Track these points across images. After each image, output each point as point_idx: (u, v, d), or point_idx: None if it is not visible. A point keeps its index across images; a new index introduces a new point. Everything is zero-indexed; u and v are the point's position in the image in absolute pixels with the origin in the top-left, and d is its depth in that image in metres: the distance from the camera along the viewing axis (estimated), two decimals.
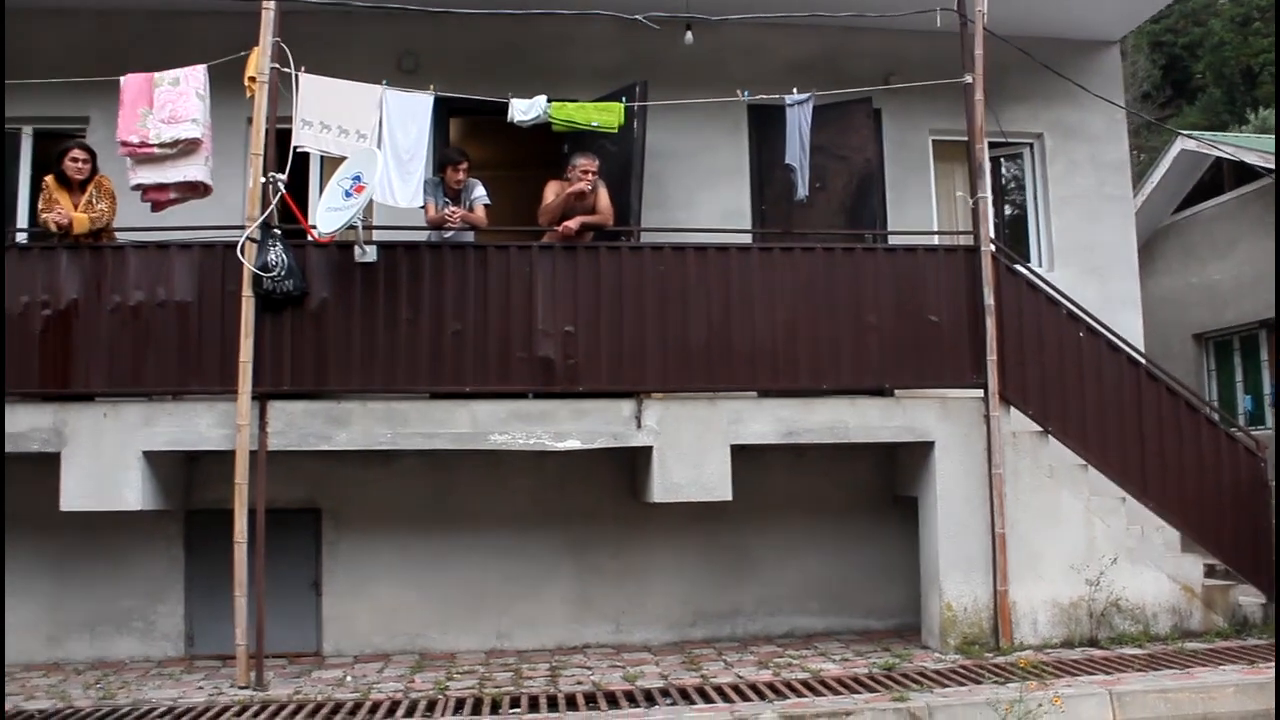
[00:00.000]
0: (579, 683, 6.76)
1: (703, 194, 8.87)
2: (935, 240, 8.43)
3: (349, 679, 7.06)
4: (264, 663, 6.86)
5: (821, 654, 7.51)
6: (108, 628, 7.80)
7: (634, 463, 7.75)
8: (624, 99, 7.84)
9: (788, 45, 9.01)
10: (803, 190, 7.85)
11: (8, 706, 6.43)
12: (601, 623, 8.05)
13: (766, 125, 8.53)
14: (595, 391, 7.23)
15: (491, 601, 7.97)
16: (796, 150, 7.82)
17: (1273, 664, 6.44)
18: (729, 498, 7.25)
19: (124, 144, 7.17)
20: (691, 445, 7.21)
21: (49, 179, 7.32)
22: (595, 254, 7.40)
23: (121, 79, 7.26)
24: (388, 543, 7.94)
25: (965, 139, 7.94)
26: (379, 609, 7.90)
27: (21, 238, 7.95)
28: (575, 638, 8.01)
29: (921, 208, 9.27)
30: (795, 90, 7.85)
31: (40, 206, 7.28)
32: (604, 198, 7.69)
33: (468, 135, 10.10)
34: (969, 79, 7.74)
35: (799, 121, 7.82)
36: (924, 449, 7.50)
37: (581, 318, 7.25)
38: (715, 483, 7.20)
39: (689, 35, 8.07)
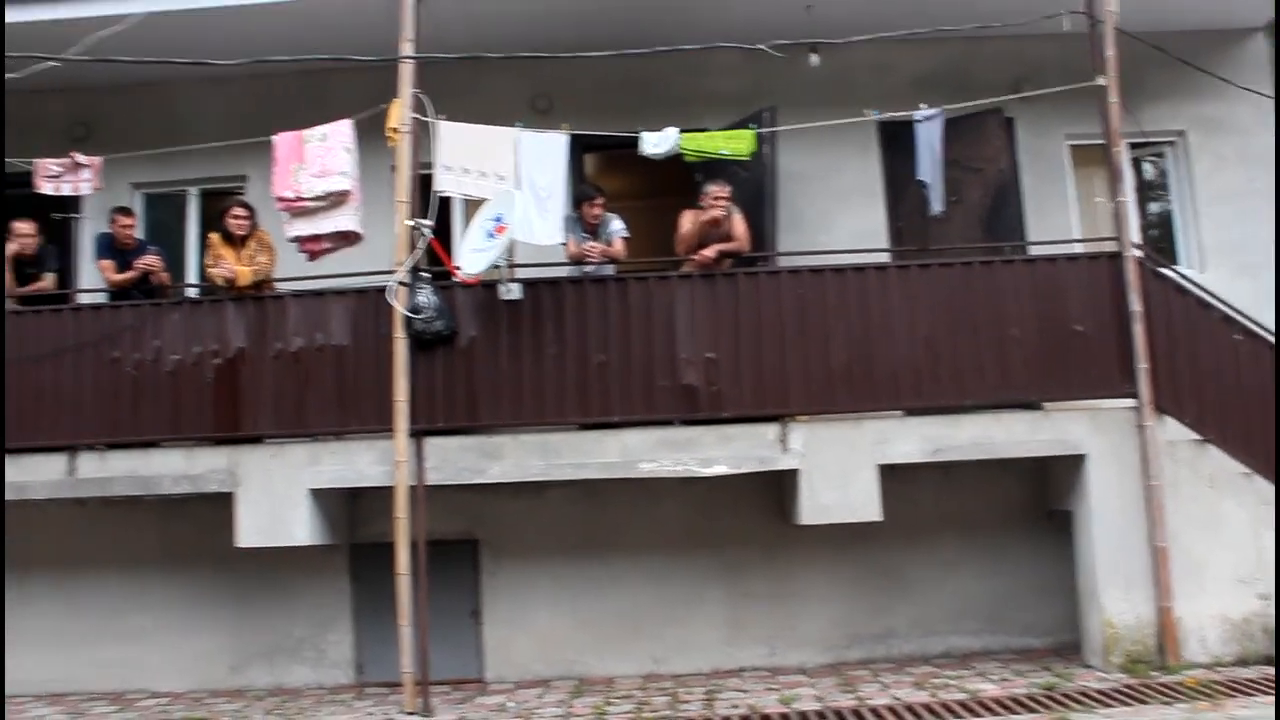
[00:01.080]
0: (735, 706, 6.89)
1: (838, 214, 8.96)
2: (1077, 248, 8.34)
3: (510, 705, 7.36)
4: (429, 689, 7.22)
5: (979, 674, 7.48)
6: (283, 656, 8.32)
7: (781, 485, 7.89)
8: (753, 125, 8.01)
9: (914, 60, 9.06)
10: (937, 205, 7.89)
11: None
12: (756, 645, 8.18)
13: (897, 142, 8.59)
14: (740, 416, 7.40)
15: (646, 627, 8.19)
16: (928, 166, 7.86)
17: None
18: (878, 518, 7.31)
19: (280, 199, 7.68)
20: (838, 466, 7.31)
21: (214, 236, 7.90)
22: (733, 280, 7.58)
23: (274, 138, 7.78)
24: (543, 571, 8.24)
25: (1103, 142, 7.87)
26: (537, 636, 8.21)
27: (192, 292, 8.58)
28: (730, 661, 8.15)
29: (1061, 215, 9.18)
30: (924, 105, 7.89)
31: (207, 262, 7.86)
32: (739, 224, 7.86)
33: (603, 169, 10.39)
34: (1102, 81, 7.68)
35: (929, 137, 7.86)
36: (1075, 462, 7.45)
37: (722, 344, 7.44)
38: (863, 503, 7.28)
39: (814, 58, 8.19)
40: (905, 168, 8.26)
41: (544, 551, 8.26)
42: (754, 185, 8.37)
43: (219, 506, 7.66)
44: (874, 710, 6.54)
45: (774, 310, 7.48)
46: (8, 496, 7.82)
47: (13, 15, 8.27)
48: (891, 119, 8.02)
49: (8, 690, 8.47)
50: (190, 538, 8.36)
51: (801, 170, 8.89)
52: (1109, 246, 7.70)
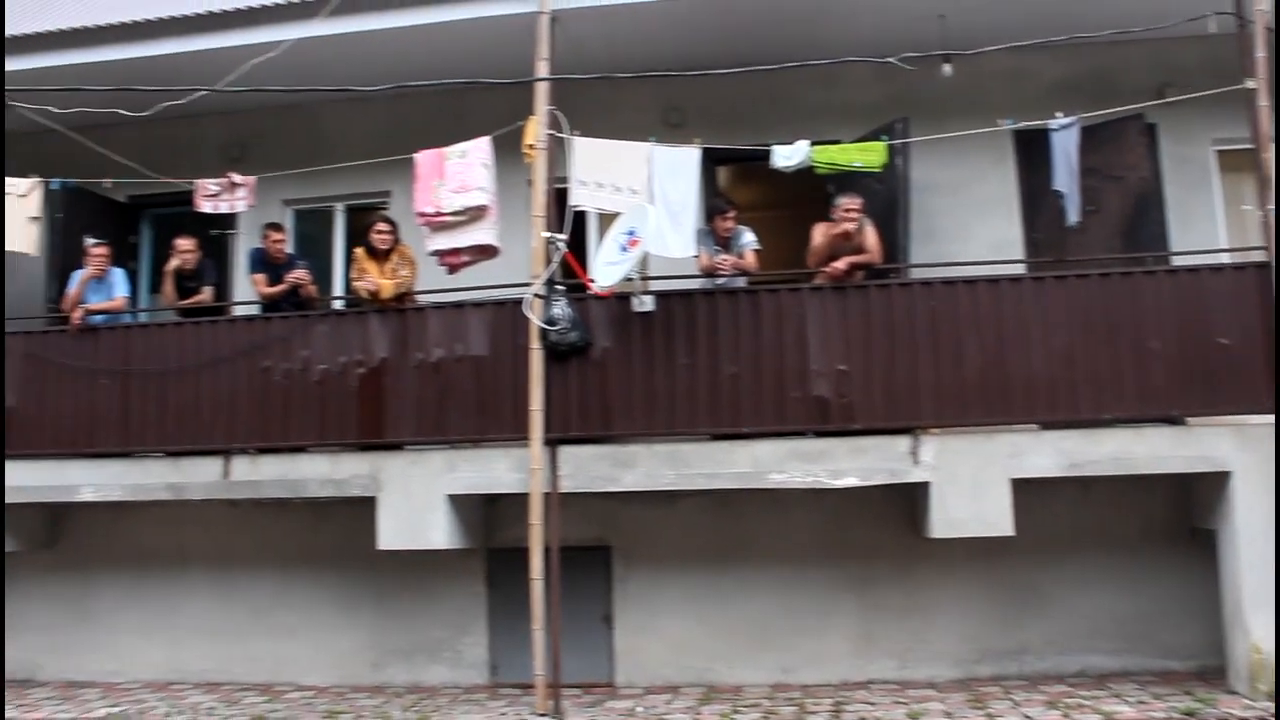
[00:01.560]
0: (861, 719, 6.96)
1: (972, 225, 8.89)
2: (1223, 258, 8.14)
3: (640, 709, 7.54)
4: (561, 692, 7.46)
5: (1115, 695, 7.35)
6: (422, 656, 8.67)
7: (913, 498, 7.90)
8: (885, 137, 8.05)
9: (1050, 66, 8.94)
10: (1074, 216, 7.81)
11: None
12: (885, 658, 8.20)
13: (1033, 151, 8.50)
14: (871, 429, 7.45)
15: (775, 636, 8.28)
16: (1065, 175, 7.79)
17: None
18: (1010, 532, 7.26)
19: (421, 214, 8.04)
20: (970, 480, 7.29)
21: (359, 250, 8.31)
22: (865, 292, 7.64)
23: (416, 156, 8.14)
24: (674, 579, 8.41)
25: (1251, 147, 7.66)
26: (667, 642, 8.37)
27: (338, 304, 9.02)
28: (859, 673, 8.19)
29: (1206, 224, 8.93)
30: (1060, 114, 7.82)
31: (352, 275, 8.28)
32: (871, 236, 7.91)
33: (735, 180, 10.53)
34: (1252, 84, 7.49)
35: (1066, 145, 7.79)
36: (1220, 479, 7.28)
37: (854, 356, 7.50)
38: (996, 517, 7.24)
39: (947, 68, 8.16)
40: (1042, 178, 8.18)
41: (675, 559, 8.42)
42: (886, 197, 8.40)
43: (362, 510, 8.05)
44: None
45: (906, 322, 7.50)
46: (168, 497, 8.38)
47: (174, 45, 8.88)
48: (1027, 128, 7.98)
49: (170, 676, 9.08)
50: (334, 539, 8.80)
51: (935, 181, 8.87)
52: (1257, 256, 7.50)
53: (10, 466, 8.64)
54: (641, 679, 8.37)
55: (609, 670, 8.45)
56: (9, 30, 9.22)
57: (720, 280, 7.98)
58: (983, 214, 8.96)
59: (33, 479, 8.61)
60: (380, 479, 7.86)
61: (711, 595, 8.37)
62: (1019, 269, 8.27)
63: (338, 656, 8.85)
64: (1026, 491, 7.43)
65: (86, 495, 8.49)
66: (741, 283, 8.00)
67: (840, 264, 7.77)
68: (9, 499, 8.64)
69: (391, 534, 7.82)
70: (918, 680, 8.10)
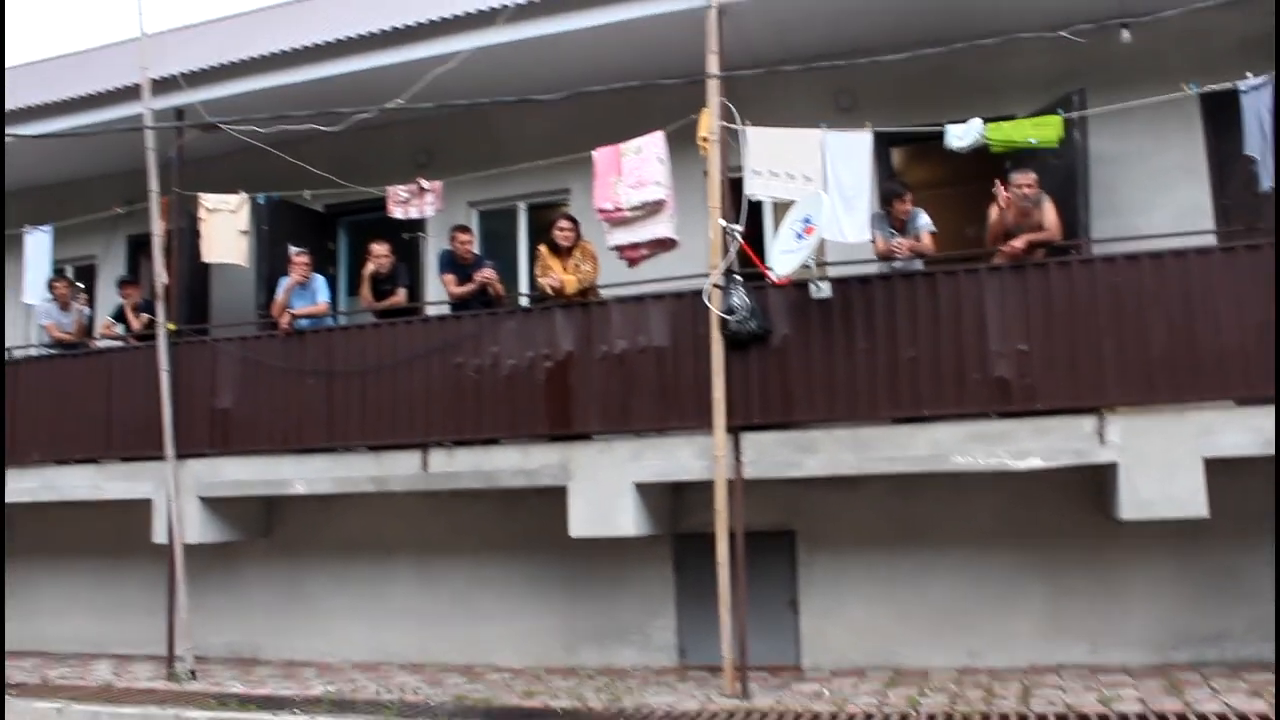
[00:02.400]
0: (1051, 704, 6.97)
1: (1156, 196, 8.71)
2: None
3: (826, 692, 7.78)
4: (748, 674, 7.77)
5: None
6: (611, 639, 9.13)
7: (1100, 479, 7.89)
8: (1061, 110, 8.00)
9: (1237, 22, 8.58)
10: (1267, 181, 7.61)
11: (539, 704, 7.80)
12: (1075, 642, 8.20)
13: (1222, 114, 8.28)
14: (1054, 409, 7.47)
15: (960, 619, 8.40)
16: (1257, 139, 7.55)
17: None
18: (1204, 514, 7.14)
19: (600, 211, 8.44)
20: (1160, 460, 7.20)
21: (542, 247, 8.78)
22: (1045, 270, 7.64)
23: (593, 153, 8.54)
24: (858, 562, 8.62)
25: None
26: (852, 626, 8.60)
27: (524, 301, 9.55)
28: (1048, 657, 8.22)
29: None
30: (1250, 74, 7.59)
31: (537, 272, 8.75)
32: (1049, 213, 7.91)
33: (909, 161, 10.57)
34: None
35: (1257, 107, 7.53)
36: None
37: (1034, 335, 7.51)
38: (1188, 498, 7.14)
39: (1126, 34, 8.00)
40: (1231, 142, 7.97)
41: (857, 543, 8.63)
42: (1064, 171, 8.36)
43: (552, 499, 8.52)
44: (1201, 716, 6.42)
45: (1088, 299, 7.46)
46: (372, 489, 9.03)
47: (362, 62, 9.52)
48: (1214, 91, 7.77)
49: (377, 657, 9.78)
50: (526, 527, 9.34)
51: (1115, 152, 8.75)
52: None
53: (229, 462, 9.52)
54: (827, 662, 8.60)
55: (795, 653, 8.72)
56: (218, 59, 10.07)
57: (897, 264, 8.10)
58: (1167, 184, 8.77)
59: (249, 474, 9.44)
60: (569, 468, 8.30)
61: (895, 578, 8.53)
62: (1208, 240, 8.09)
63: (532, 639, 9.38)
64: (1222, 471, 7.30)
65: (298, 488, 9.24)
66: (918, 265, 8.12)
67: (1018, 242, 7.80)
68: (231, 492, 9.52)
69: (582, 522, 8.25)
70: (1110, 665, 8.07)
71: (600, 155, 8.51)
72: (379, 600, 9.95)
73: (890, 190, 8.33)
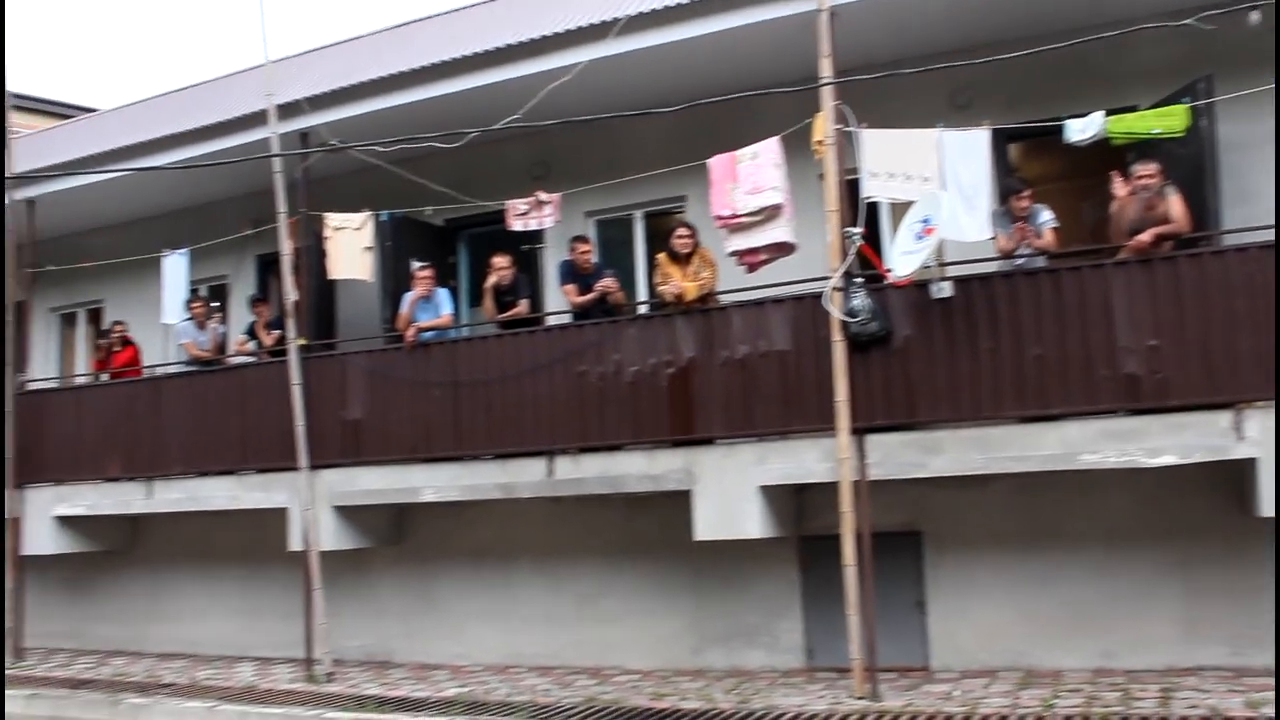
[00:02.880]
0: (1193, 706, 6.84)
1: None
2: None
3: (956, 693, 7.78)
4: (876, 676, 7.80)
5: None
6: (739, 641, 9.24)
7: (1238, 475, 7.72)
8: (1187, 99, 7.86)
9: None
10: None
11: (668, 705, 7.94)
12: (1215, 644, 8.01)
13: None
14: (1187, 405, 7.33)
15: (1093, 620, 8.30)
16: None
17: None
18: None
19: (718, 218, 8.57)
20: None
21: (661, 256, 8.93)
22: (1173, 263, 7.50)
23: (709, 161, 8.67)
24: (986, 562, 8.58)
25: None
26: (981, 626, 8.56)
27: (644, 309, 9.71)
28: (1186, 658, 8.06)
29: None
30: None
31: (656, 280, 8.92)
32: (1175, 204, 7.75)
33: (1028, 156, 10.43)
34: None
35: None
36: None
37: (1165, 330, 7.38)
38: None
39: (1255, 16, 7.78)
40: None
41: (985, 543, 8.59)
42: (1192, 161, 8.17)
43: (677, 502, 8.66)
44: None
45: (1220, 291, 7.30)
46: (499, 496, 9.29)
47: (478, 79, 9.84)
48: None
49: (507, 660, 10.04)
50: (652, 531, 9.50)
51: (1245, 138, 8.48)
52: None
53: (360, 472, 9.87)
54: (956, 663, 8.58)
55: (924, 654, 8.72)
56: (339, 82, 10.45)
57: (1020, 261, 8.05)
58: None
59: (380, 483, 9.78)
60: (694, 473, 8.44)
61: (1025, 579, 8.47)
62: None
63: (659, 641, 9.53)
64: None
65: (428, 496, 9.55)
66: (1041, 262, 8.05)
67: (1145, 236, 7.68)
68: (363, 501, 9.88)
69: (708, 525, 8.38)
70: (1254, 668, 7.81)
71: (716, 163, 8.63)
72: (507, 604, 10.21)
73: (1010, 186, 8.28)
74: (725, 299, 8.81)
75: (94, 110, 19.66)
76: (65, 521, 11.87)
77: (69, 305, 14.73)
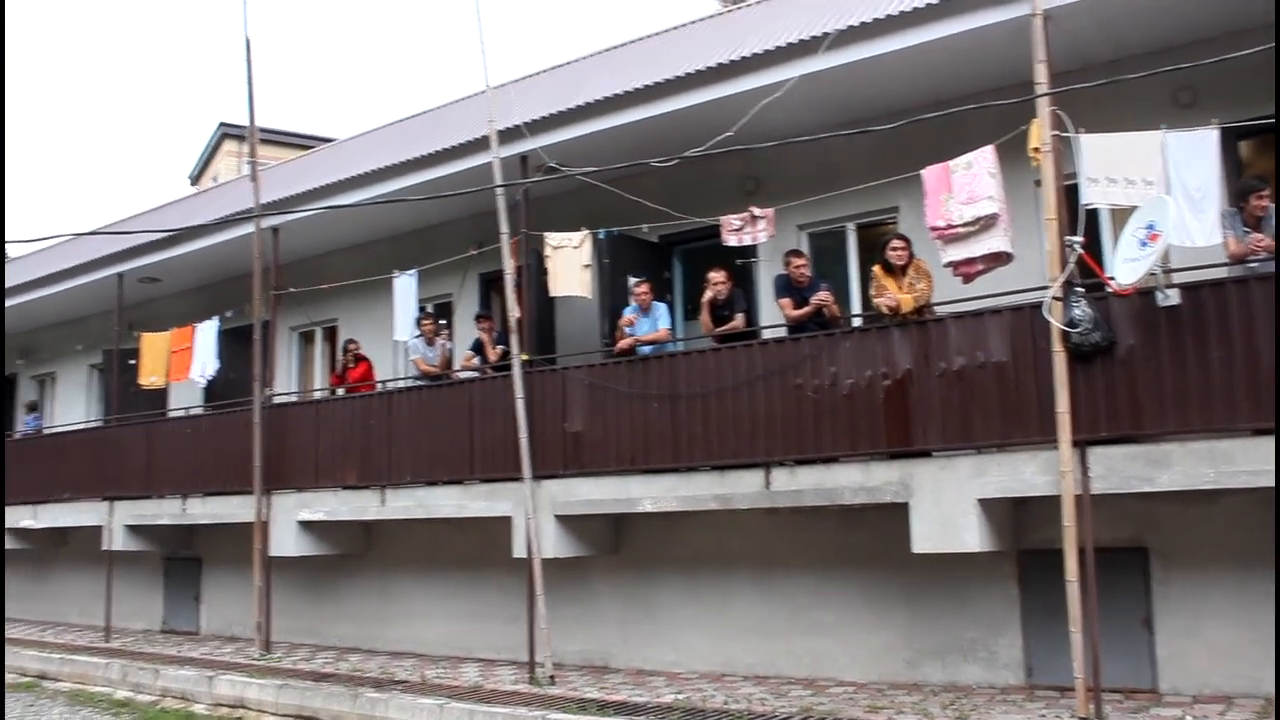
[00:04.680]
0: None
1: None
2: None
3: (1189, 718, 7.57)
4: (1100, 696, 7.64)
5: None
6: (955, 656, 9.24)
7: None
8: None
9: None
10: None
11: (883, 718, 8.06)
12: None
13: None
14: None
15: None
16: None
17: None
18: None
19: (933, 229, 8.64)
20: None
21: (876, 268, 9.06)
22: None
23: (922, 172, 8.75)
24: (1219, 581, 8.29)
25: None
26: (1215, 649, 8.27)
27: (858, 321, 9.85)
28: None
29: None
30: None
31: (872, 292, 9.05)
32: None
33: (1260, 153, 10.03)
34: None
35: None
36: None
37: None
38: None
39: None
40: None
41: (1218, 560, 8.31)
42: None
43: (893, 515, 8.77)
44: None
45: None
46: (716, 507, 9.58)
47: (690, 99, 10.25)
48: None
49: (721, 668, 10.33)
50: (867, 543, 9.62)
51: None
52: None
53: (580, 482, 10.34)
54: (1187, 686, 8.34)
55: (1151, 676, 8.50)
56: (556, 106, 11.00)
57: (1253, 265, 7.80)
58: None
59: (599, 493, 10.22)
60: (910, 485, 8.52)
61: (1264, 599, 8.11)
62: None
63: (873, 654, 9.62)
64: None
65: (646, 506, 9.93)
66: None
67: None
68: (583, 510, 10.34)
69: (924, 537, 8.44)
70: None
71: (930, 173, 8.70)
72: (723, 613, 10.49)
73: (1246, 186, 7.99)
74: (941, 310, 8.86)
75: (332, 140, 21.09)
76: (307, 526, 12.83)
77: (308, 324, 15.95)
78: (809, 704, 8.73)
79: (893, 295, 8.79)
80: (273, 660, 12.41)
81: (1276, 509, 7.18)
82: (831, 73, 9.52)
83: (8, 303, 18.98)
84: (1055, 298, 7.85)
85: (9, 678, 13.61)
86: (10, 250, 25.24)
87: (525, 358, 10.59)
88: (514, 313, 10.60)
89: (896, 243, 8.95)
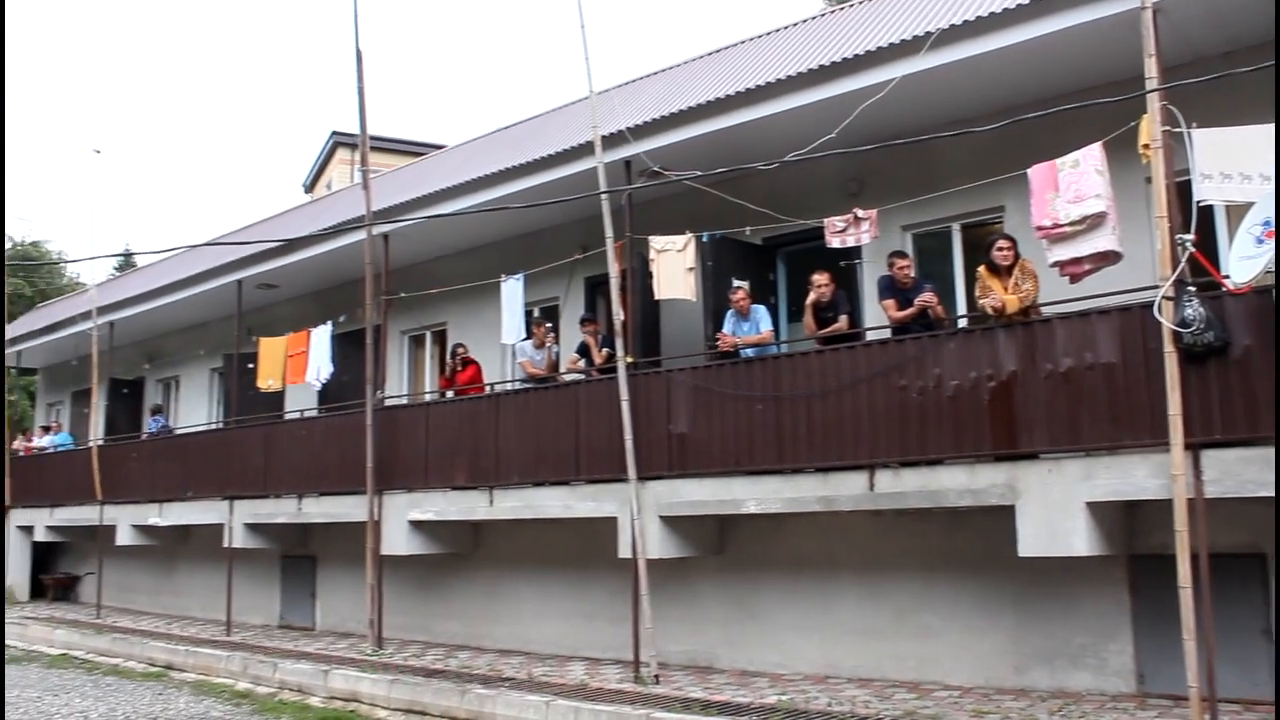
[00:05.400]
0: None
1: None
2: None
3: None
4: (1217, 707, 7.46)
5: None
6: (1063, 661, 9.12)
7: None
8: None
9: None
10: None
11: None
12: None
13: None
14: None
15: None
16: None
17: None
18: None
19: (1039, 228, 8.53)
20: None
21: (981, 269, 8.99)
22: None
23: (1028, 171, 8.64)
24: None
25: None
26: None
27: (963, 322, 9.79)
28: None
29: None
30: None
31: (977, 293, 8.98)
32: None
33: None
34: None
35: None
36: None
37: None
38: None
39: None
40: None
41: None
42: None
43: (999, 517, 8.69)
44: None
45: None
46: (819, 509, 9.59)
47: (792, 101, 10.28)
48: None
49: (825, 670, 10.36)
50: (972, 546, 9.55)
51: None
52: None
53: (684, 483, 10.45)
54: None
55: (1272, 687, 8.27)
56: (658, 112, 11.15)
57: None
58: None
59: (704, 494, 10.32)
60: (1017, 488, 8.42)
61: None
62: None
63: (980, 658, 9.55)
64: None
65: (750, 508, 9.99)
66: None
67: None
68: (687, 511, 10.46)
69: (1031, 541, 8.33)
70: None
71: (1036, 172, 8.60)
72: (826, 615, 10.50)
73: None
74: (1048, 310, 8.75)
75: (442, 146, 21.60)
76: (417, 525, 13.18)
77: (418, 328, 16.38)
78: (913, 707, 8.71)
79: (998, 296, 8.72)
80: (385, 656, 12.77)
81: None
82: (935, 72, 9.48)
83: (136, 309, 19.86)
84: (1166, 297, 7.71)
85: (139, 667, 14.26)
86: (139, 260, 26.34)
87: (630, 360, 10.74)
88: (619, 316, 10.76)
89: (1002, 243, 8.87)
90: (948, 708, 8.67)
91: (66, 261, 39.26)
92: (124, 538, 18.75)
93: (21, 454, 23.67)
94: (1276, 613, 8.12)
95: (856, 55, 9.84)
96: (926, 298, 9.37)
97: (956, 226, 10.83)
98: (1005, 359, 8.57)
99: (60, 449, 22.68)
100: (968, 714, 8.39)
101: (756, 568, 11.04)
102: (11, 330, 25.34)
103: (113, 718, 10.65)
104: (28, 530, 22.79)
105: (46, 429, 24.80)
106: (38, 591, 23.21)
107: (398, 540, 13.18)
